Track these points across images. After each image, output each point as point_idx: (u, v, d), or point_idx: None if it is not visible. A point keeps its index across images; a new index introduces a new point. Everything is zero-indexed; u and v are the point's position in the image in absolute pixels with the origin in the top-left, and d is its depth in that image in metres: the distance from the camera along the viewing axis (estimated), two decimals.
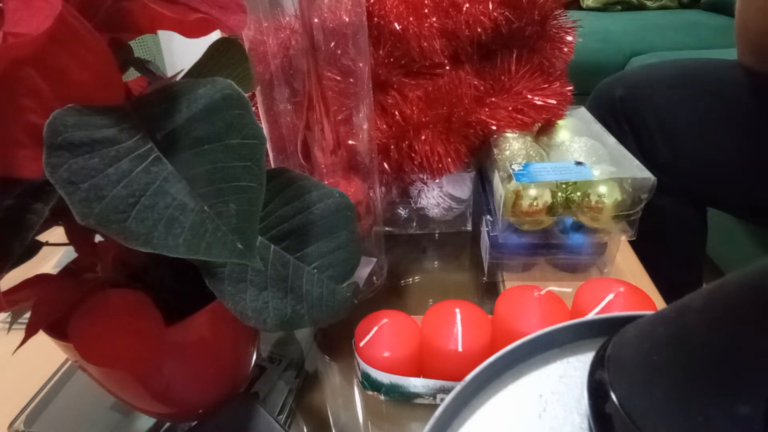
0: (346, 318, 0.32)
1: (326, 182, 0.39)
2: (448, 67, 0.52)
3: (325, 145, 0.41)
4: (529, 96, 0.53)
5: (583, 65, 1.52)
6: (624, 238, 0.48)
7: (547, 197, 0.45)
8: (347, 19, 0.38)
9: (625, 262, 0.52)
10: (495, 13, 0.49)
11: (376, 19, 0.48)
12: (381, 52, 0.50)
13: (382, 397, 0.37)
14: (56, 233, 0.26)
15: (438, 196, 0.54)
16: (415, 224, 0.59)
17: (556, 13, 0.55)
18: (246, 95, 0.23)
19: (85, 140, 0.20)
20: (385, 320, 0.38)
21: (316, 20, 0.37)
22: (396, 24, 0.48)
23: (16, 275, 0.24)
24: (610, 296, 0.36)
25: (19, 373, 0.43)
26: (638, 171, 0.45)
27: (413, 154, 0.51)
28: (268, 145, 0.44)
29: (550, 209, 0.46)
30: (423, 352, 0.37)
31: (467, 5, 0.49)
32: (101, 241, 0.29)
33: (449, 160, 0.51)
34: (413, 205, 0.57)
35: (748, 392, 0.16)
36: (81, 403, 0.40)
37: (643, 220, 0.46)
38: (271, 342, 0.44)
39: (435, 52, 0.50)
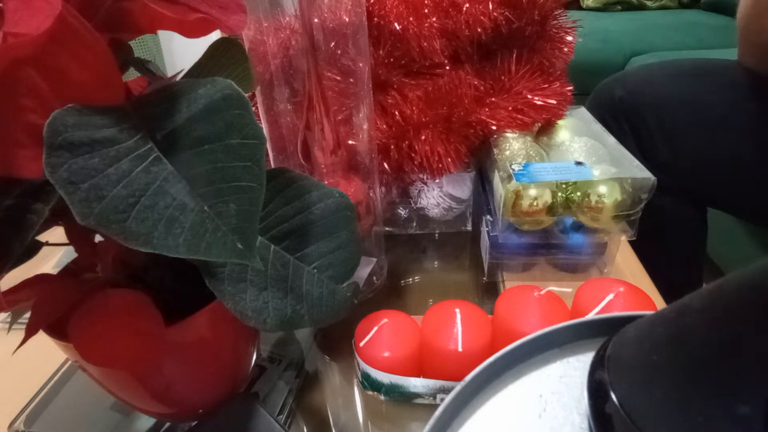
0: (346, 318, 0.32)
1: (326, 182, 0.39)
2: (448, 67, 0.52)
3: (325, 145, 0.41)
4: (529, 96, 0.53)
5: (583, 65, 1.52)
6: (624, 238, 0.48)
7: (547, 197, 0.45)
8: (347, 19, 0.38)
9: (625, 262, 0.52)
10: (495, 13, 0.49)
11: (376, 19, 0.48)
12: (381, 52, 0.50)
13: (382, 397, 0.37)
14: (56, 233, 0.26)
15: (438, 196, 0.54)
16: (415, 224, 0.59)
17: (556, 13, 0.55)
18: (246, 95, 0.23)
19: (85, 140, 0.20)
20: (385, 320, 0.38)
21: (316, 20, 0.37)
22: (396, 24, 0.48)
23: (16, 275, 0.24)
24: (610, 296, 0.36)
25: (19, 373, 0.43)
26: (638, 171, 0.45)
27: (413, 154, 0.51)
28: (268, 145, 0.44)
29: (550, 209, 0.46)
30: (423, 352, 0.37)
31: (467, 5, 0.49)
32: (101, 241, 0.29)
33: (449, 160, 0.51)
34: (413, 205, 0.57)
35: (748, 392, 0.16)
36: (81, 403, 0.40)
37: (643, 220, 0.46)
38: (271, 342, 0.44)
39: (435, 52, 0.50)
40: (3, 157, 0.20)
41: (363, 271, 0.47)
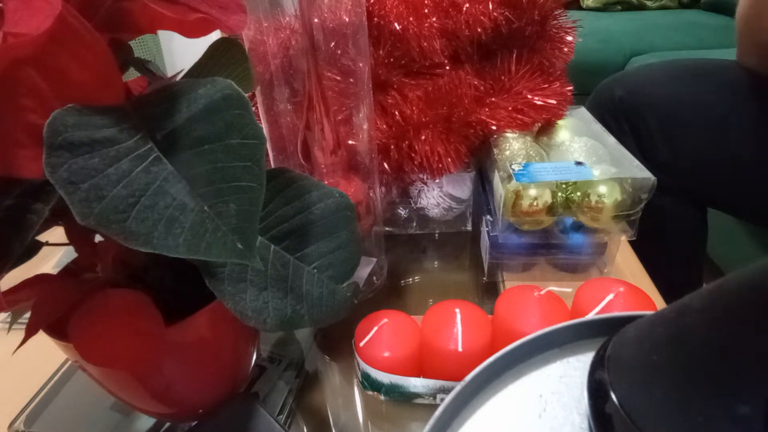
0: (346, 318, 0.32)
1: (326, 182, 0.39)
2: (448, 67, 0.52)
3: (325, 145, 0.41)
4: (529, 96, 0.53)
5: (583, 65, 1.52)
6: (624, 238, 0.48)
7: (547, 197, 0.45)
8: (347, 19, 0.38)
9: (625, 262, 0.52)
10: (495, 13, 0.49)
11: (376, 19, 0.48)
12: (381, 52, 0.50)
13: (382, 397, 0.37)
14: (56, 233, 0.26)
15: (438, 196, 0.54)
16: (415, 224, 0.59)
17: (556, 13, 0.55)
18: (246, 95, 0.23)
19: (85, 140, 0.20)
20: (385, 320, 0.38)
21: (316, 20, 0.37)
22: (396, 24, 0.48)
23: (16, 275, 0.24)
24: (610, 296, 0.36)
25: (19, 373, 0.43)
26: (638, 171, 0.45)
27: (413, 154, 0.51)
28: (268, 145, 0.44)
29: (550, 209, 0.46)
30: (423, 352, 0.37)
31: (467, 5, 0.49)
32: (101, 241, 0.29)
33: (449, 160, 0.51)
34: (413, 205, 0.57)
35: (748, 392, 0.16)
36: (81, 403, 0.40)
37: (643, 220, 0.46)
38: (271, 342, 0.44)
39: (435, 52, 0.50)
40: (3, 157, 0.20)
41: (363, 271, 0.47)
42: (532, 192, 0.45)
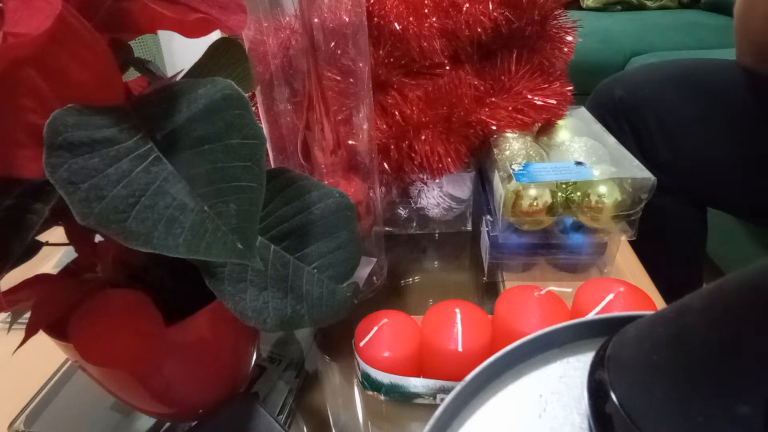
0: (346, 318, 0.32)
1: (326, 182, 0.39)
2: (448, 67, 0.52)
3: (325, 145, 0.41)
4: (529, 96, 0.53)
5: (583, 65, 1.52)
6: (624, 238, 0.48)
7: (547, 197, 0.45)
8: (347, 19, 0.38)
9: (625, 262, 0.52)
10: (495, 13, 0.49)
11: (376, 19, 0.48)
12: (381, 52, 0.50)
13: (382, 397, 0.37)
14: (56, 233, 0.26)
15: (438, 196, 0.54)
16: (415, 224, 0.59)
17: (556, 13, 0.55)
18: (246, 95, 0.23)
19: (85, 140, 0.20)
20: (385, 320, 0.38)
21: (316, 20, 0.37)
22: (396, 24, 0.48)
23: (16, 275, 0.24)
24: (610, 296, 0.36)
25: (19, 373, 0.43)
26: (638, 171, 0.45)
27: (413, 154, 0.51)
28: (268, 145, 0.44)
29: (550, 209, 0.46)
30: (423, 352, 0.37)
31: (467, 5, 0.49)
32: (101, 241, 0.29)
33: (449, 160, 0.51)
34: (413, 205, 0.57)
35: (748, 392, 0.16)
36: (81, 403, 0.40)
37: (643, 220, 0.46)
38: (271, 342, 0.44)
39: (435, 52, 0.50)
40: (3, 157, 0.20)
41: (363, 271, 0.47)
42: (532, 192, 0.45)
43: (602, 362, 0.22)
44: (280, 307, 0.29)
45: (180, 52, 1.99)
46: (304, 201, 0.32)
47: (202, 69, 0.29)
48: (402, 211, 0.58)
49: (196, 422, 0.35)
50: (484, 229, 0.52)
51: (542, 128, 0.56)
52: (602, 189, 0.44)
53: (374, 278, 0.49)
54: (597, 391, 0.21)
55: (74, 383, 0.41)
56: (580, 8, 1.95)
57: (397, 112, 0.50)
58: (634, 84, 0.76)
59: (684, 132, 0.70)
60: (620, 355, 0.21)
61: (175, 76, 0.30)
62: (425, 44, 0.49)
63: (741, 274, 0.18)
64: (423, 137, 0.51)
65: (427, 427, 0.22)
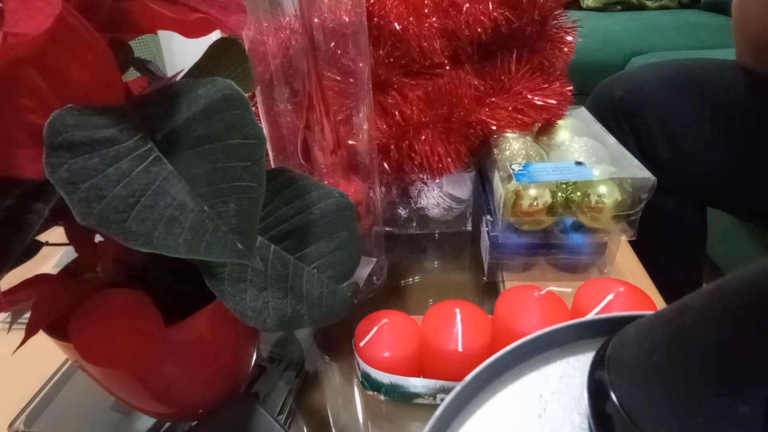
0: (346, 318, 0.32)
1: (326, 182, 0.39)
2: (448, 67, 0.52)
3: (325, 145, 0.41)
4: (529, 96, 0.53)
5: (583, 65, 1.52)
6: (624, 238, 0.48)
7: (547, 197, 0.45)
8: (347, 19, 0.38)
9: (625, 262, 0.52)
10: (495, 13, 0.49)
11: (376, 19, 0.48)
12: (381, 52, 0.50)
13: (382, 397, 0.37)
14: (56, 233, 0.26)
15: (438, 196, 0.54)
16: (415, 224, 0.59)
17: (556, 13, 0.55)
18: (246, 95, 0.23)
19: (85, 140, 0.20)
20: (385, 320, 0.38)
21: (316, 20, 0.37)
22: (396, 24, 0.48)
23: (16, 275, 0.24)
24: (610, 296, 0.36)
25: (19, 373, 0.43)
26: (638, 171, 0.45)
27: (413, 154, 0.51)
28: (268, 145, 0.44)
29: (550, 209, 0.46)
30: (423, 352, 0.37)
31: (467, 5, 0.49)
32: (101, 241, 0.29)
33: (449, 160, 0.51)
34: (413, 205, 0.57)
35: (748, 392, 0.16)
36: (81, 403, 0.40)
37: (643, 220, 0.46)
38: (271, 342, 0.44)
39: (435, 52, 0.50)
40: (3, 157, 0.20)
41: (363, 271, 0.47)
42: (532, 192, 0.45)
43: (602, 362, 0.22)
44: (280, 307, 0.29)
45: (180, 52, 1.99)
46: (304, 201, 0.32)
47: (202, 69, 0.29)
48: (402, 211, 0.58)
49: (196, 422, 0.35)
50: (484, 229, 0.52)
51: (542, 128, 0.56)
52: (602, 189, 0.44)
53: (374, 278, 0.49)
54: (597, 391, 0.21)
55: (74, 383, 0.41)
56: (580, 8, 1.95)
57: (397, 112, 0.50)
58: (634, 84, 0.76)
59: (684, 132, 0.70)
60: (620, 355, 0.21)
61: (175, 76, 0.30)
62: (425, 44, 0.49)
63: (741, 274, 0.18)
64: (423, 137, 0.51)
65: (427, 427, 0.22)
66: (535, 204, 0.45)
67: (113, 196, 0.20)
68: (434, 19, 0.49)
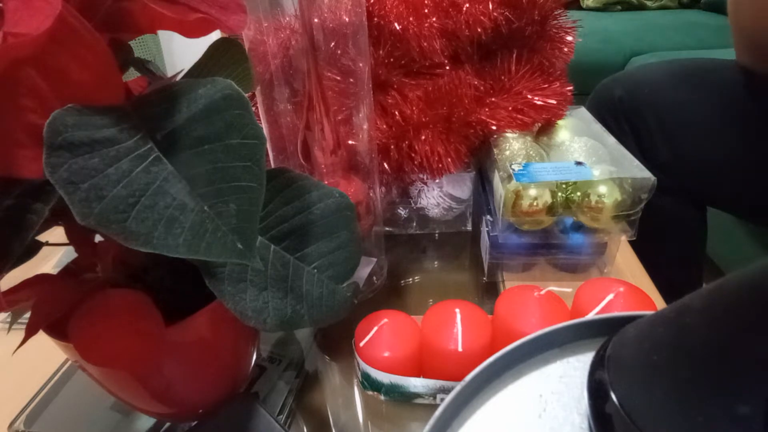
0: (346, 318, 0.32)
1: (326, 182, 0.39)
2: (448, 67, 0.52)
3: (325, 145, 0.41)
4: (529, 96, 0.53)
5: (583, 65, 1.52)
6: (624, 238, 0.48)
7: (547, 197, 0.45)
8: (347, 19, 0.38)
9: (625, 262, 0.52)
10: (495, 13, 0.49)
11: (376, 19, 0.48)
12: (381, 52, 0.50)
13: (382, 397, 0.37)
14: (56, 233, 0.26)
15: (438, 196, 0.54)
16: (415, 224, 0.59)
17: (556, 13, 0.55)
18: (246, 95, 0.23)
19: (85, 140, 0.20)
20: (385, 320, 0.38)
21: (316, 20, 0.37)
22: (396, 24, 0.48)
23: (16, 275, 0.24)
24: (610, 296, 0.36)
25: (19, 373, 0.43)
26: (638, 171, 0.45)
27: (413, 154, 0.51)
28: (268, 145, 0.44)
29: (550, 209, 0.46)
30: (423, 352, 0.37)
31: (467, 5, 0.49)
32: (101, 241, 0.29)
33: (449, 160, 0.51)
34: (413, 205, 0.57)
35: (748, 392, 0.16)
36: (81, 403, 0.40)
37: (643, 220, 0.46)
38: (271, 342, 0.44)
39: (435, 52, 0.50)
40: (3, 157, 0.20)
41: (363, 271, 0.47)
42: (532, 192, 0.45)
43: (602, 362, 0.22)
44: (280, 307, 0.29)
45: (180, 52, 1.99)
46: (304, 201, 0.32)
47: (202, 69, 0.29)
48: (402, 211, 0.58)
49: (196, 422, 0.35)
50: (484, 229, 0.52)
51: (542, 128, 0.56)
52: (602, 189, 0.44)
53: (374, 278, 0.49)
54: (597, 391, 0.21)
55: (74, 383, 0.41)
56: (580, 8, 1.95)
57: (397, 112, 0.50)
58: (634, 84, 0.76)
59: (684, 132, 0.70)
60: (620, 355, 0.21)
61: (175, 76, 0.30)
62: (425, 44, 0.49)
63: (741, 274, 0.18)
64: (423, 137, 0.51)
65: (427, 427, 0.22)
66: (535, 204, 0.45)
67: (113, 196, 0.20)
68: (434, 19, 0.49)
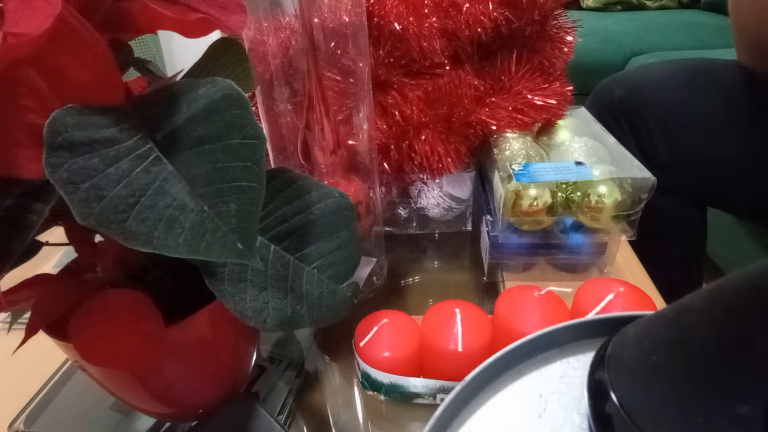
0: (346, 318, 0.32)
1: (326, 182, 0.39)
2: (448, 67, 0.52)
3: (325, 145, 0.41)
4: (529, 96, 0.53)
5: (583, 65, 1.52)
6: (624, 238, 0.48)
7: (547, 197, 0.45)
8: (347, 19, 0.38)
9: (625, 262, 0.52)
10: (495, 13, 0.49)
11: (376, 19, 0.48)
12: (381, 52, 0.50)
13: (382, 397, 0.37)
14: (56, 233, 0.26)
15: (438, 196, 0.54)
16: (415, 224, 0.59)
17: (556, 13, 0.55)
18: (246, 95, 0.23)
19: (85, 140, 0.20)
20: (385, 320, 0.38)
21: (316, 20, 0.37)
22: (396, 24, 0.48)
23: (16, 275, 0.24)
24: (610, 296, 0.36)
25: (19, 373, 0.43)
26: (638, 171, 0.45)
27: (413, 154, 0.51)
28: (268, 145, 0.44)
29: (550, 209, 0.46)
30: (423, 352, 0.37)
31: (467, 5, 0.49)
32: (101, 241, 0.29)
33: (449, 160, 0.51)
34: (413, 205, 0.57)
35: (748, 392, 0.16)
36: (81, 403, 0.40)
37: (643, 220, 0.46)
38: (271, 342, 0.44)
39: (435, 52, 0.50)
40: (3, 157, 0.20)
41: (363, 271, 0.47)
42: (532, 192, 0.45)
43: (602, 362, 0.22)
44: (280, 307, 0.29)
45: (180, 52, 1.99)
46: (304, 201, 0.32)
47: (202, 69, 0.29)
48: (402, 211, 0.58)
49: (196, 422, 0.35)
50: (484, 229, 0.52)
51: (542, 128, 0.56)
52: (602, 189, 0.44)
53: (374, 278, 0.49)
54: (597, 391, 0.21)
55: (74, 383, 0.41)
56: (580, 8, 1.95)
57: (397, 112, 0.50)
58: (634, 84, 0.76)
59: (684, 132, 0.70)
60: (620, 355, 0.21)
61: (175, 76, 0.30)
62: (425, 44, 0.49)
63: (741, 274, 0.18)
64: (423, 137, 0.51)
65: (427, 427, 0.22)
66: (535, 204, 0.45)
67: (113, 196, 0.20)
68: (434, 19, 0.49)
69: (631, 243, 0.54)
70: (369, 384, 0.37)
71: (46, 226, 0.25)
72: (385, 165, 0.52)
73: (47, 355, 0.41)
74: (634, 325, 0.22)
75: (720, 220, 0.91)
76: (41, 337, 0.27)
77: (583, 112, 0.61)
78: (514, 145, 0.51)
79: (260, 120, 0.43)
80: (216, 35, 0.27)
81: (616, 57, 1.57)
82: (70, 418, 0.39)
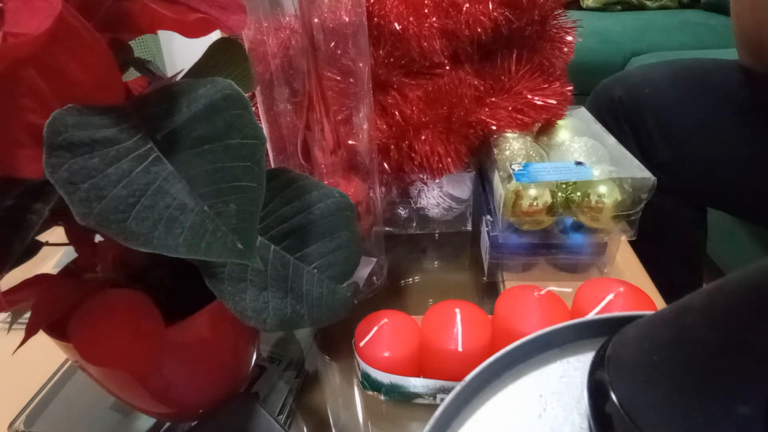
0: (346, 318, 0.32)
1: (326, 182, 0.39)
2: (448, 67, 0.52)
3: (325, 145, 0.41)
4: (529, 96, 0.53)
5: (583, 65, 1.52)
6: (624, 238, 0.48)
7: (547, 197, 0.45)
8: (347, 19, 0.38)
9: (625, 262, 0.52)
10: (495, 13, 0.49)
11: (376, 19, 0.48)
12: (381, 52, 0.50)
13: (382, 397, 0.37)
14: (56, 233, 0.26)
15: (438, 196, 0.54)
16: (415, 224, 0.59)
17: (556, 13, 0.55)
18: (246, 95, 0.23)
19: (85, 140, 0.20)
20: (385, 320, 0.38)
21: (316, 20, 0.37)
22: (396, 24, 0.48)
23: (16, 275, 0.24)
24: (610, 296, 0.36)
25: (19, 373, 0.43)
26: (638, 171, 0.45)
27: (413, 154, 0.51)
28: (268, 145, 0.44)
29: (550, 209, 0.46)
30: (423, 352, 0.37)
31: (467, 5, 0.49)
32: (101, 241, 0.29)
33: (449, 160, 0.51)
34: (413, 205, 0.57)
35: (748, 392, 0.16)
36: (81, 403, 0.40)
37: (643, 220, 0.46)
38: (271, 342, 0.44)
39: (435, 52, 0.50)
40: (3, 157, 0.20)
41: (363, 271, 0.47)
42: (532, 192, 0.45)
43: (602, 362, 0.22)
44: (280, 307, 0.29)
45: (180, 52, 1.99)
46: (304, 201, 0.32)
47: (202, 69, 0.29)
48: (402, 211, 0.58)
49: (196, 422, 0.35)
50: (484, 229, 0.52)
51: (542, 128, 0.56)
52: (602, 189, 0.44)
53: (374, 278, 0.49)
54: (597, 391, 0.21)
55: (74, 383, 0.41)
56: (580, 8, 1.95)
57: (397, 112, 0.50)
58: (634, 84, 0.76)
59: (684, 132, 0.70)
60: (620, 355, 0.21)
61: (175, 76, 0.30)
62: (425, 44, 0.49)
63: (741, 274, 0.18)
64: (423, 137, 0.51)
65: (427, 427, 0.22)
66: (535, 204, 0.45)
67: (113, 196, 0.20)
68: (434, 19, 0.49)
69: (631, 243, 0.54)
70: (369, 384, 0.37)
71: (46, 226, 0.25)
72: (385, 165, 0.52)
73: (47, 355, 0.41)
74: (634, 325, 0.22)
75: (720, 220, 0.91)
76: (41, 337, 0.27)
77: (583, 112, 0.61)
78: (514, 145, 0.51)
79: (260, 120, 0.43)
80: (216, 35, 0.27)
81: (615, 57, 1.57)
82: (70, 418, 0.39)
